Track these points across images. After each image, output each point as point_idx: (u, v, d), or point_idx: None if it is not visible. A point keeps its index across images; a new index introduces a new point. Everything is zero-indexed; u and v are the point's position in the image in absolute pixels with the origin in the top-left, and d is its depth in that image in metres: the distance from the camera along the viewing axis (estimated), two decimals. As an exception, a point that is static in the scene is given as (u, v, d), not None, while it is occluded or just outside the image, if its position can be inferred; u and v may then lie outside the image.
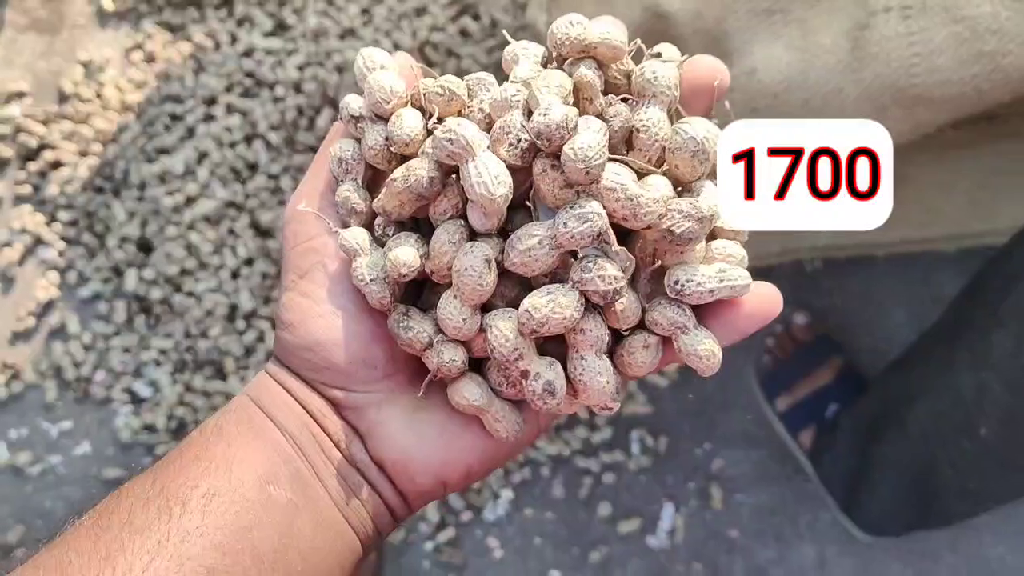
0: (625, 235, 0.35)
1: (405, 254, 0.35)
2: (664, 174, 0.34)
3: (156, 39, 1.15)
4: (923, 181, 0.88)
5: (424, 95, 0.36)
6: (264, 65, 1.11)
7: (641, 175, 0.34)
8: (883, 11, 0.62)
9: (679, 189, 0.35)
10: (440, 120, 0.35)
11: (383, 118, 0.37)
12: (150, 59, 1.15)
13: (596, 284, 0.32)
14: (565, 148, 0.32)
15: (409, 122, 0.36)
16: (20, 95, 1.17)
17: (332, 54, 1.13)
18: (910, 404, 0.83)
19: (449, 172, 0.35)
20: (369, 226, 0.38)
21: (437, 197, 0.36)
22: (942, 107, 0.62)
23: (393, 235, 0.37)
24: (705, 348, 0.34)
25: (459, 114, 0.36)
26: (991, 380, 0.72)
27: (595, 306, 0.34)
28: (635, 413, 1.05)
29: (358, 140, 0.38)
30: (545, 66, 0.36)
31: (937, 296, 1.03)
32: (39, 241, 1.11)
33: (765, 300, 0.36)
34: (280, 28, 1.16)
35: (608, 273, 0.32)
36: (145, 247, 1.10)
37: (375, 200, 0.36)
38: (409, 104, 0.37)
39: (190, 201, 1.10)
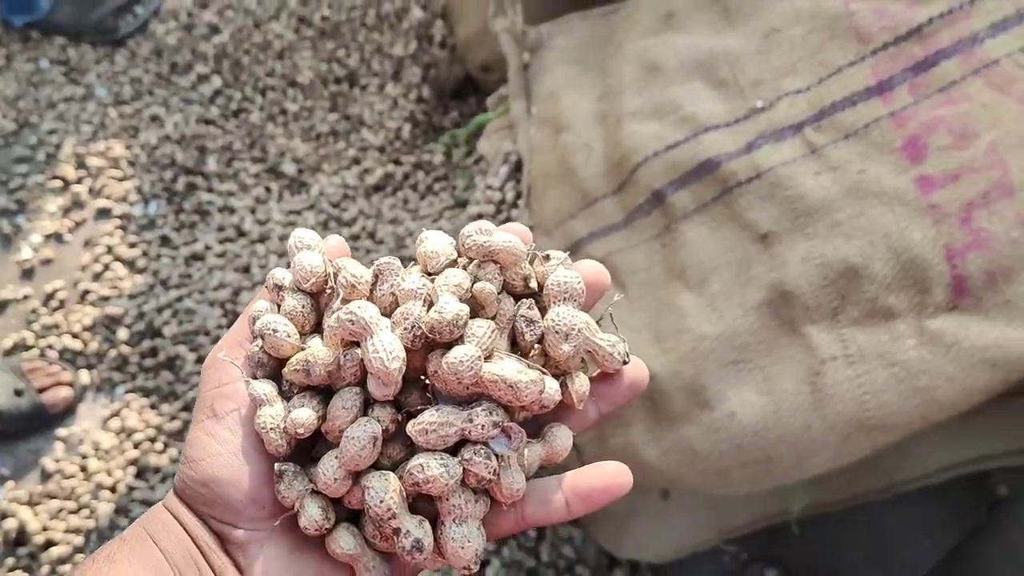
0: None
1: (303, 416, 0.39)
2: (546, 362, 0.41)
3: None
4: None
5: (336, 276, 0.42)
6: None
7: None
8: (831, 359, 0.74)
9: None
10: (345, 301, 0.41)
11: (302, 290, 0.43)
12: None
13: (479, 469, 0.39)
14: (442, 360, 0.38)
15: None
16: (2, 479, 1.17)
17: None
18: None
19: (350, 346, 0.40)
20: (276, 377, 0.42)
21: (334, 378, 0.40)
22: (894, 431, 0.73)
23: (298, 393, 0.41)
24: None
25: (366, 297, 0.42)
26: None
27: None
28: None
29: (278, 305, 0.43)
30: (459, 252, 0.43)
31: (878, 524, 1.12)
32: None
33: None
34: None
35: (491, 466, 0.39)
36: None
37: (283, 369, 0.41)
38: (326, 283, 0.43)
39: None
